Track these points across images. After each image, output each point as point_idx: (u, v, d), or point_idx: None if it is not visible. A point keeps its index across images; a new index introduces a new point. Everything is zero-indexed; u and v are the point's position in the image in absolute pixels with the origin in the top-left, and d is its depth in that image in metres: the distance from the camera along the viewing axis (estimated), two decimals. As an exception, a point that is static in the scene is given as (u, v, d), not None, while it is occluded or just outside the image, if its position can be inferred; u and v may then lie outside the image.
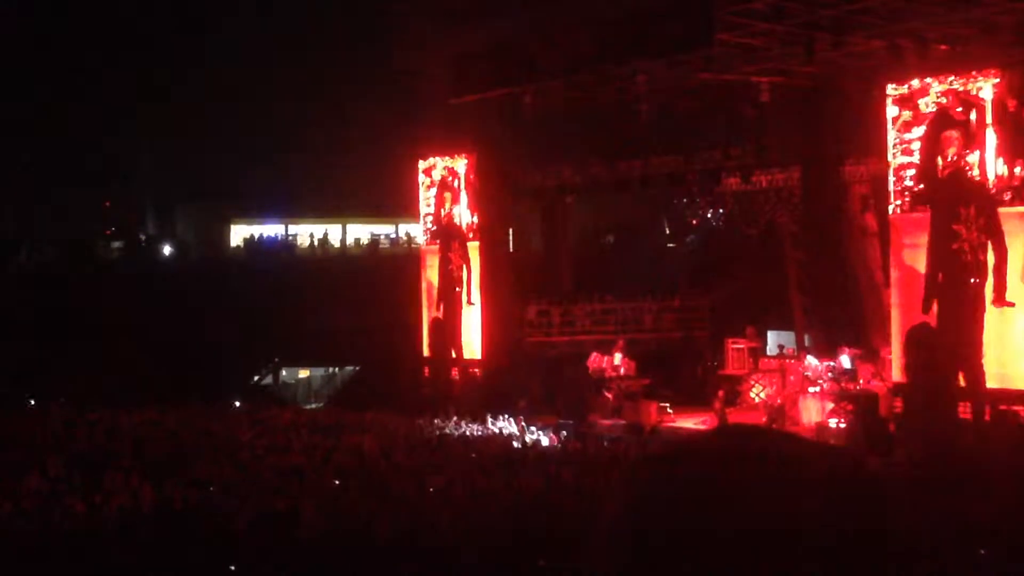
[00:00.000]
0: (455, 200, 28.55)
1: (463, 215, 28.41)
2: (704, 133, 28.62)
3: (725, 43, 21.19)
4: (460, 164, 28.46)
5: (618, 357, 26.92)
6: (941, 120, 19.77)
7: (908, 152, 20.31)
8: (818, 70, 23.02)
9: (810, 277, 27.19)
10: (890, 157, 20.56)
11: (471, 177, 28.22)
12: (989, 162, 19.10)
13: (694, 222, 31.76)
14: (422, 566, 11.47)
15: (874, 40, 21.05)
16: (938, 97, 19.80)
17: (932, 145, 19.93)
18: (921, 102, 20.06)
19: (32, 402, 27.14)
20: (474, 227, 28.22)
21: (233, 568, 11.42)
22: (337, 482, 15.77)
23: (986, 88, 19.16)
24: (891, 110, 20.47)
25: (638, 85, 23.84)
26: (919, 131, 20.12)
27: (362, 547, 12.16)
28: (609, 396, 25.97)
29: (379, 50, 32.84)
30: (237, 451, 18.58)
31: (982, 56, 19.56)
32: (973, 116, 19.31)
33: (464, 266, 28.45)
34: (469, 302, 28.31)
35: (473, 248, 28.24)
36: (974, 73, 19.29)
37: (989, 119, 19.11)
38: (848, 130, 24.45)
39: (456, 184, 28.52)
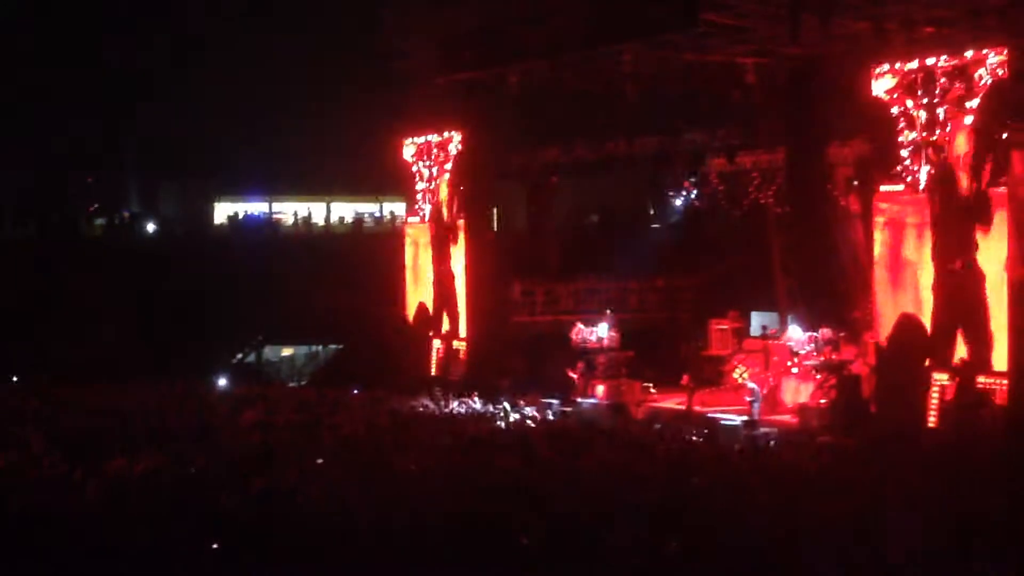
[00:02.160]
0: (441, 180, 28.53)
1: (447, 194, 28.39)
2: (690, 114, 28.62)
3: (711, 24, 21.16)
4: (446, 144, 28.41)
5: (603, 328, 26.90)
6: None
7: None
8: (804, 51, 23.00)
9: (794, 258, 27.22)
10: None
11: (457, 157, 28.17)
12: None
13: (679, 203, 31.77)
14: (405, 544, 11.50)
15: (860, 22, 21.04)
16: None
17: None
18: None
19: (15, 378, 27.09)
20: (460, 206, 28.22)
21: (216, 546, 11.44)
22: (320, 461, 15.78)
23: None
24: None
25: (624, 66, 23.81)
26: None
27: (345, 524, 12.19)
28: (575, 376, 25.90)
29: (366, 29, 32.76)
30: (220, 429, 18.58)
31: (965, 39, 19.58)
32: None
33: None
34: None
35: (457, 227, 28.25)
36: None
37: None
38: (833, 112, 24.47)
39: (442, 163, 28.48)
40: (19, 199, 52.78)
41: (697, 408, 23.71)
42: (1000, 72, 19.13)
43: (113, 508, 12.95)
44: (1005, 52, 19.10)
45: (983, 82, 19.44)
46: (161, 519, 12.30)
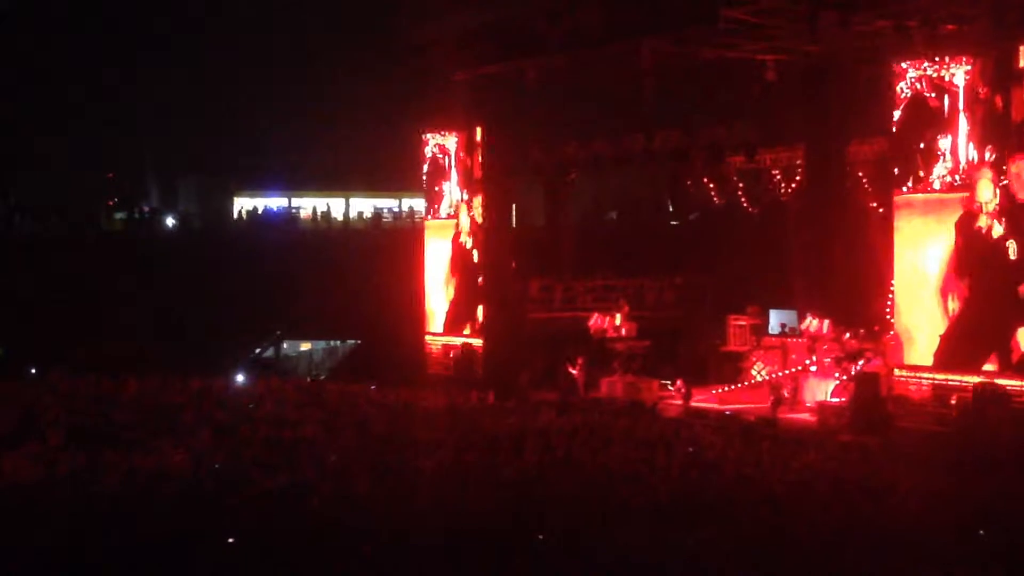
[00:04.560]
0: (459, 176, 28.51)
1: (465, 190, 28.37)
2: (709, 111, 28.53)
3: (731, 20, 21.10)
4: (464, 139, 28.36)
5: (619, 318, 26.83)
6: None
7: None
8: (824, 49, 22.92)
9: (813, 256, 27.08)
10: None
11: (475, 153, 28.11)
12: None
13: (697, 200, 31.66)
14: (424, 542, 11.48)
15: (880, 19, 20.94)
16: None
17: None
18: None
19: (32, 370, 27.16)
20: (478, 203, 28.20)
21: (231, 540, 11.44)
22: (334, 458, 15.76)
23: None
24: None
25: (643, 62, 23.75)
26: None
27: (361, 524, 12.18)
28: (574, 371, 25.79)
29: (385, 24, 32.79)
30: (238, 424, 18.56)
31: (986, 37, 19.50)
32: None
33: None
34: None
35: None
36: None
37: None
38: (853, 110, 24.38)
39: (460, 159, 28.45)
40: (38, 195, 53.04)
41: (715, 406, 23.66)
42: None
43: (129, 503, 12.98)
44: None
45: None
46: (175, 515, 12.32)
